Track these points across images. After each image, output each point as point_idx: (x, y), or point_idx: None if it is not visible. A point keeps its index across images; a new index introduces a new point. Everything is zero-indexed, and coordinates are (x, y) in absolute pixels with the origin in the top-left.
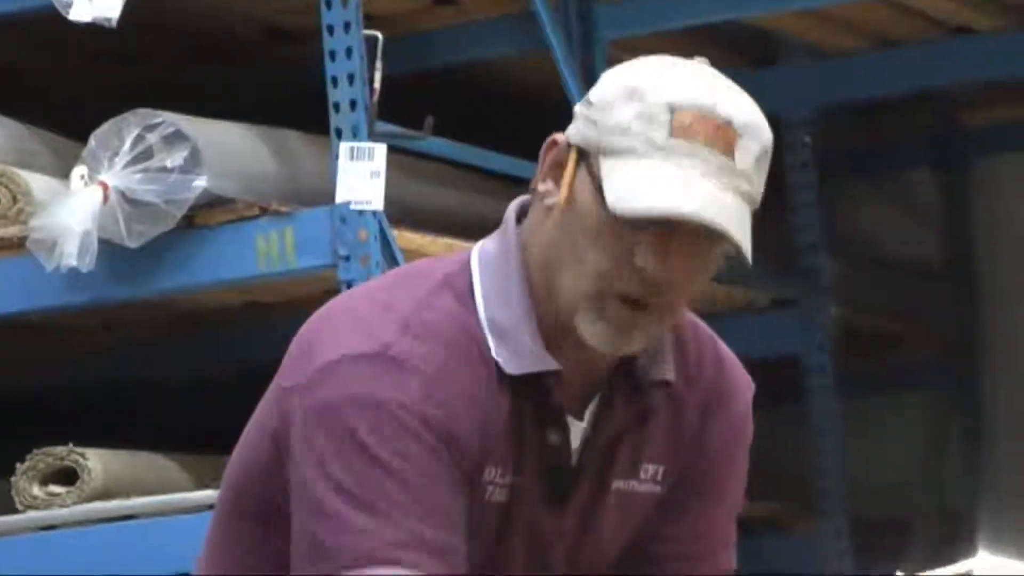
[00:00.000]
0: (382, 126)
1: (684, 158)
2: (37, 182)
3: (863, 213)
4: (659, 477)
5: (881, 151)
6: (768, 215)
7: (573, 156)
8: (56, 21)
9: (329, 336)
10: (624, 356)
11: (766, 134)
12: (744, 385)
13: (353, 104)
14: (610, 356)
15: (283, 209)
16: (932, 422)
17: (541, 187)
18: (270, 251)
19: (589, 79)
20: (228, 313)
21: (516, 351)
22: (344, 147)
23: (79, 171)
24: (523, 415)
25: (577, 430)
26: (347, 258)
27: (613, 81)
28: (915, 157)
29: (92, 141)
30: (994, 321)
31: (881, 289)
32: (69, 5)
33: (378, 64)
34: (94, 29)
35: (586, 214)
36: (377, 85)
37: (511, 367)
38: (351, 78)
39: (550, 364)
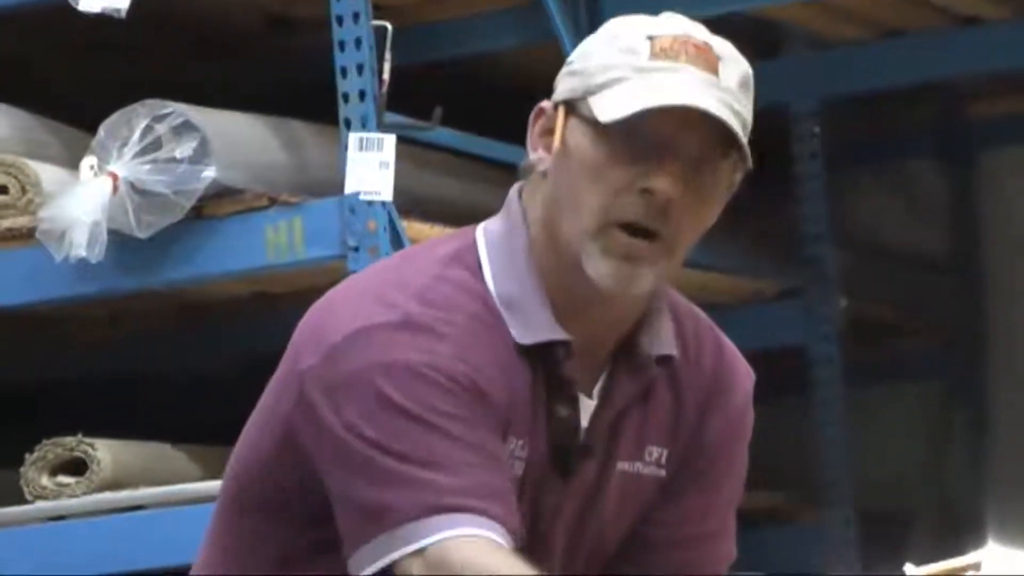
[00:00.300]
0: (391, 117)
1: (669, 73)
2: (46, 172)
3: (868, 204)
4: (663, 460)
5: (886, 142)
6: (775, 205)
7: (562, 112)
8: (62, 12)
9: (342, 315)
10: (627, 332)
11: (746, 67)
12: (744, 375)
13: (362, 95)
14: (620, 296)
15: (292, 200)
16: (936, 413)
17: (533, 156)
18: (279, 242)
19: None
20: (236, 304)
21: (527, 322)
22: (353, 137)
23: (88, 162)
24: (536, 387)
25: (587, 407)
26: (356, 248)
27: (590, 39)
28: (920, 149)
29: (101, 132)
30: (997, 313)
31: (886, 280)
32: None
33: (387, 55)
34: (100, 20)
35: (582, 153)
36: (386, 76)
37: (523, 337)
38: (360, 68)
39: (560, 334)
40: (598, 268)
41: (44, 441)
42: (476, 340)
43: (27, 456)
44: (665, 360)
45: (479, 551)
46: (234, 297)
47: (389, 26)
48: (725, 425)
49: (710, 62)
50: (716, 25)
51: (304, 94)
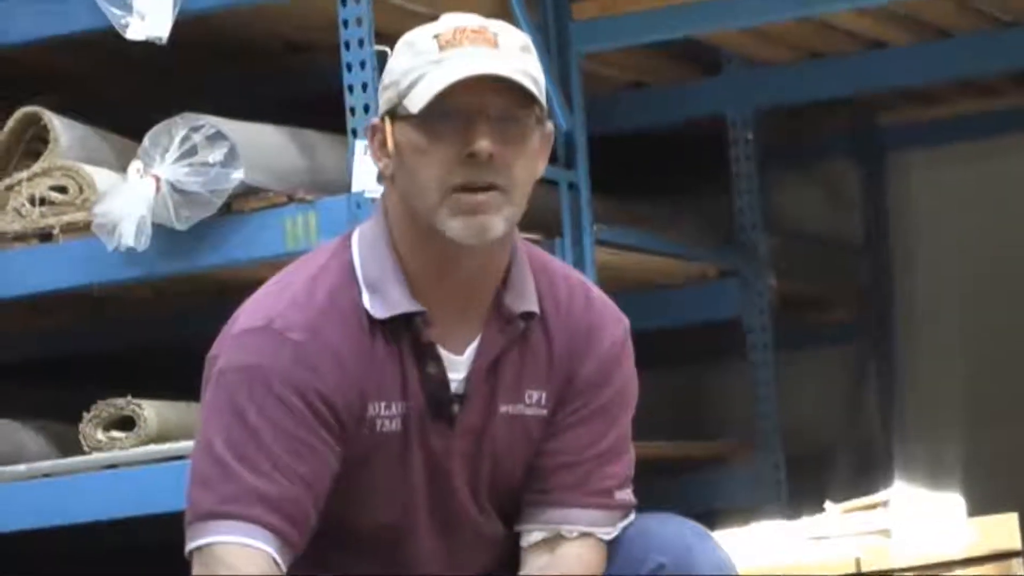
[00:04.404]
0: None
1: (457, 59)
2: (100, 175)
3: (796, 198)
4: (543, 402)
5: (810, 146)
6: (715, 200)
7: (388, 122)
8: (113, 38)
9: (241, 313)
10: (494, 296)
11: (522, 36)
12: (614, 322)
13: (366, 108)
14: (480, 246)
15: (307, 197)
16: (851, 373)
17: (379, 166)
18: (296, 233)
19: (564, 85)
20: (260, 286)
21: (385, 299)
22: (359, 145)
23: (135, 165)
24: (401, 354)
25: (457, 362)
26: None
27: (393, 58)
28: (839, 151)
29: (146, 140)
30: (902, 289)
31: (811, 261)
32: (127, 25)
33: None
34: (144, 44)
35: (411, 144)
36: None
37: (381, 313)
38: (364, 86)
39: (415, 307)
40: (451, 228)
41: (99, 402)
42: (324, 339)
43: (84, 414)
44: (529, 316)
45: (236, 557)
46: (258, 280)
47: (389, 50)
48: (598, 366)
49: (488, 40)
50: (668, 47)
51: (317, 108)
